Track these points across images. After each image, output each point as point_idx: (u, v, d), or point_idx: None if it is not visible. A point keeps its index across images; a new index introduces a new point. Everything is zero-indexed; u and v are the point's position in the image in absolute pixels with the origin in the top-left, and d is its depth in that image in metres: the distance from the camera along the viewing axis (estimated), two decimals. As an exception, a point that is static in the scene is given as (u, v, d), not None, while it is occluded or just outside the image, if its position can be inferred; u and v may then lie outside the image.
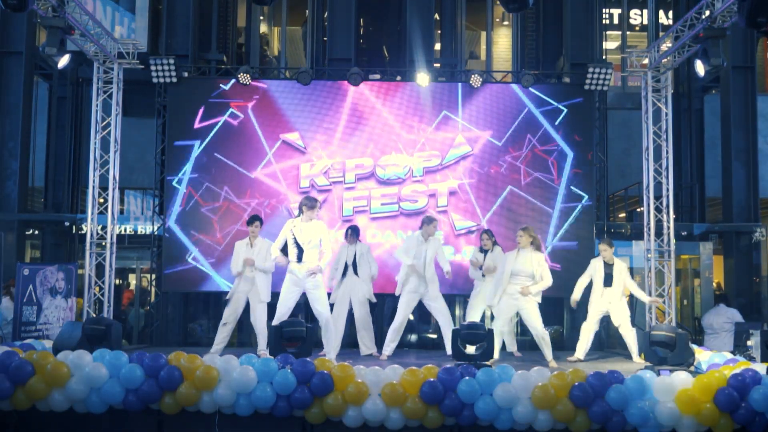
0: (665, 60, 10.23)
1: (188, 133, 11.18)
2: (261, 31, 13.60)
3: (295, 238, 8.39)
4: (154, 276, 11.38)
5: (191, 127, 11.18)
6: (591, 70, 10.97)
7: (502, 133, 11.22)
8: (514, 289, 8.59)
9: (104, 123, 10.59)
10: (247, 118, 11.24)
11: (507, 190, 11.12)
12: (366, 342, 9.75)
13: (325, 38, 12.71)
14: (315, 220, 8.53)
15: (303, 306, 9.94)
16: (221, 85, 11.24)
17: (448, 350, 9.06)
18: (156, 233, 11.33)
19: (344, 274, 9.70)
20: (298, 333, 7.82)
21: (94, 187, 10.57)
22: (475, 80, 10.97)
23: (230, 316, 9.28)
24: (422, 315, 11.62)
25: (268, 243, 9.08)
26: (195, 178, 11.13)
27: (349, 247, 9.81)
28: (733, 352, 8.46)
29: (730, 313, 10.01)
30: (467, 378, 6.59)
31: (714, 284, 13.12)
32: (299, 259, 8.39)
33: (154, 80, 11.04)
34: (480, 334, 7.65)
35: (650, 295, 10.51)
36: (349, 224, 10.88)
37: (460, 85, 11.33)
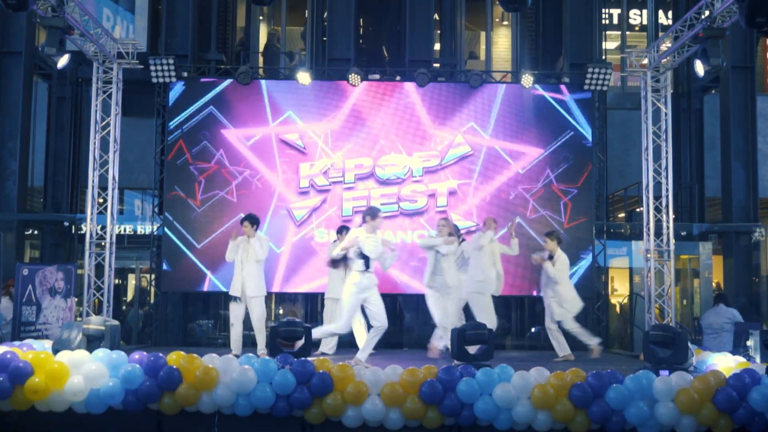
0: (665, 60, 10.23)
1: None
2: (273, 28, 13.59)
3: (361, 249, 8.26)
4: (153, 276, 11.37)
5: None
6: (590, 70, 10.97)
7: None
8: None
9: (104, 123, 10.59)
10: (247, 118, 11.23)
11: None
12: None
13: (325, 38, 12.71)
14: (378, 231, 8.47)
15: (303, 304, 9.95)
16: (221, 85, 11.24)
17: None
18: (155, 233, 11.33)
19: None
20: (296, 333, 7.82)
21: (93, 187, 10.56)
22: (475, 80, 10.97)
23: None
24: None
25: (264, 238, 9.13)
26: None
27: None
28: (732, 353, 8.46)
29: (729, 313, 10.00)
30: (467, 378, 6.59)
31: (713, 284, 13.13)
32: (367, 267, 8.28)
33: (154, 80, 11.03)
34: (482, 334, 7.64)
35: (650, 295, 10.51)
36: (348, 224, 10.89)
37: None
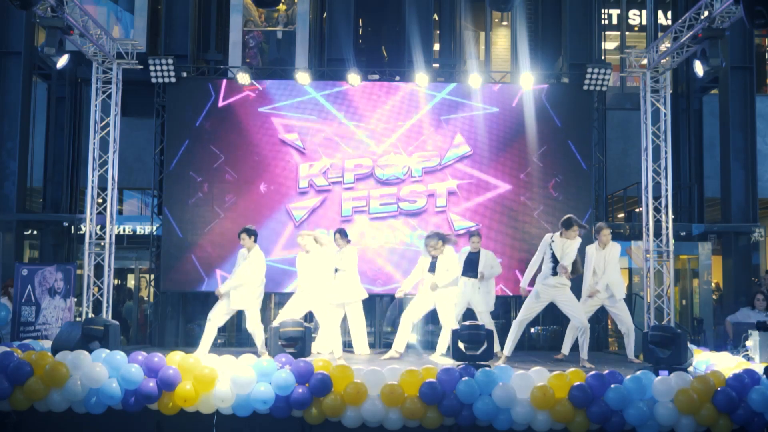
0: (664, 60, 10.23)
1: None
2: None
3: (552, 253, 8.53)
4: (152, 276, 11.37)
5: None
6: (590, 70, 10.98)
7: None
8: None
9: (103, 123, 10.58)
10: (246, 118, 11.23)
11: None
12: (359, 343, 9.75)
13: (325, 38, 12.71)
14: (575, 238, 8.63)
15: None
16: (220, 85, 11.25)
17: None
18: (155, 233, 11.33)
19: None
20: (296, 334, 7.82)
21: (92, 187, 10.56)
22: (474, 80, 10.97)
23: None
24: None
25: (259, 260, 9.04)
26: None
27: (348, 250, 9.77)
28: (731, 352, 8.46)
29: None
30: (466, 378, 6.59)
31: (713, 284, 13.13)
32: (553, 272, 8.55)
33: (153, 80, 11.04)
34: (480, 334, 7.64)
35: (649, 296, 10.51)
36: (348, 224, 10.90)
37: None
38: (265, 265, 9.14)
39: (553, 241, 8.63)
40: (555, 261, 8.56)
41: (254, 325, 9.11)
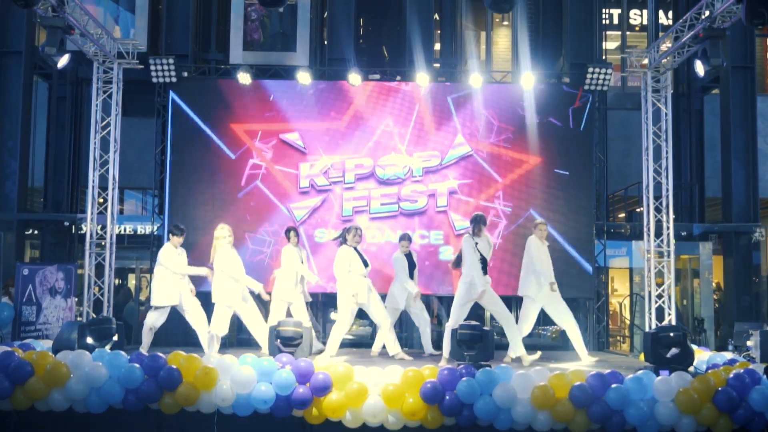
0: (665, 60, 10.23)
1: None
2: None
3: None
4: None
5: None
6: (591, 70, 10.97)
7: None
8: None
9: (104, 123, 10.59)
10: (247, 118, 11.23)
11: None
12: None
13: (325, 38, 12.71)
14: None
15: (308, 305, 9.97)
16: (221, 85, 11.25)
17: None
18: (155, 233, 11.33)
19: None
20: (296, 334, 7.81)
21: (93, 186, 10.57)
22: (475, 80, 10.97)
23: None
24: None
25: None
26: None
27: (301, 251, 9.91)
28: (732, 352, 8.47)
29: None
30: (467, 378, 6.59)
31: (713, 284, 13.13)
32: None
33: (154, 80, 11.04)
34: (477, 334, 7.63)
35: (650, 296, 10.51)
36: (348, 224, 10.90)
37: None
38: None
39: (477, 243, 8.55)
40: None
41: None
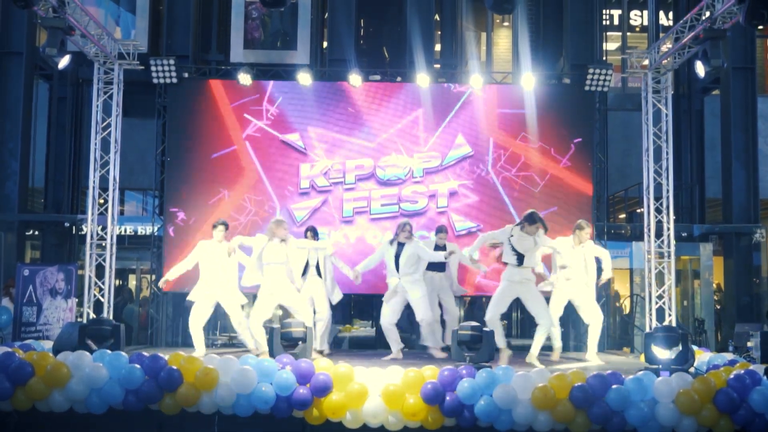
0: (665, 61, 10.23)
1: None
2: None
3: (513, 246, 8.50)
4: (153, 277, 11.37)
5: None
6: (591, 71, 10.97)
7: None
8: None
9: (104, 123, 10.58)
10: (247, 119, 11.24)
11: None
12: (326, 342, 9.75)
13: (326, 39, 12.72)
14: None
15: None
16: (221, 86, 11.25)
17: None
18: (156, 234, 11.33)
19: (305, 274, 9.53)
20: (297, 334, 7.82)
21: (94, 187, 10.56)
22: (476, 81, 10.97)
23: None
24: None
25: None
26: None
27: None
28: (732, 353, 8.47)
29: None
30: (467, 379, 6.59)
31: (714, 285, 13.13)
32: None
33: (155, 81, 11.04)
34: (478, 335, 7.64)
35: (650, 297, 10.50)
36: (349, 225, 10.92)
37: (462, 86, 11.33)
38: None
39: (512, 235, 8.52)
40: (518, 255, 8.50)
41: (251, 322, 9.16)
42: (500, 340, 8.47)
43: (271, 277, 8.68)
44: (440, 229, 9.79)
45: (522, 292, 8.62)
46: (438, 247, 9.51)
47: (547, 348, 9.12)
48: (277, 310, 10.62)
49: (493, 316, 8.50)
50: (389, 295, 9.13)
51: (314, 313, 9.27)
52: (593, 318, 9.25)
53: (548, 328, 8.71)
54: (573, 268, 9.14)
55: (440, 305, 9.64)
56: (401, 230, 9.03)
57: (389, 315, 9.11)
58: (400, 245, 9.00)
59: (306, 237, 9.74)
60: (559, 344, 9.29)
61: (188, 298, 9.41)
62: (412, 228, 9.14)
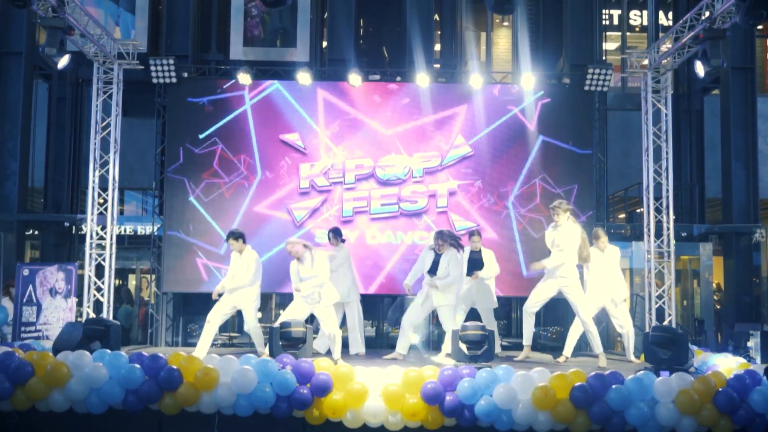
0: (665, 61, 10.23)
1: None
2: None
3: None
4: (153, 276, 11.37)
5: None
6: (591, 70, 10.98)
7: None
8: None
9: (104, 123, 10.59)
10: (247, 118, 11.23)
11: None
12: (358, 341, 9.75)
13: (325, 39, 12.71)
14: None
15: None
16: (221, 85, 11.25)
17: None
18: (156, 234, 11.33)
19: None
20: (298, 334, 7.82)
21: (93, 187, 10.57)
22: (475, 81, 10.96)
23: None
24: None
25: (252, 259, 8.95)
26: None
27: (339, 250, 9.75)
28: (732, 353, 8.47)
29: None
30: (467, 379, 6.59)
31: (714, 285, 13.13)
32: None
33: (154, 81, 11.04)
34: (479, 335, 7.64)
35: (650, 297, 10.51)
36: (349, 224, 10.91)
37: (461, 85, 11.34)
38: (259, 264, 9.06)
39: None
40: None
41: (252, 326, 9.10)
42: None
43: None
44: (474, 233, 9.75)
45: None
46: (473, 252, 9.58)
47: (546, 348, 9.13)
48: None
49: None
50: (421, 296, 9.12)
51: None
52: (625, 322, 9.47)
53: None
54: (602, 275, 9.30)
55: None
56: (434, 240, 9.01)
57: (412, 315, 9.10)
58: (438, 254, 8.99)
59: (328, 239, 9.76)
60: (599, 350, 9.06)
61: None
62: (446, 237, 8.99)
